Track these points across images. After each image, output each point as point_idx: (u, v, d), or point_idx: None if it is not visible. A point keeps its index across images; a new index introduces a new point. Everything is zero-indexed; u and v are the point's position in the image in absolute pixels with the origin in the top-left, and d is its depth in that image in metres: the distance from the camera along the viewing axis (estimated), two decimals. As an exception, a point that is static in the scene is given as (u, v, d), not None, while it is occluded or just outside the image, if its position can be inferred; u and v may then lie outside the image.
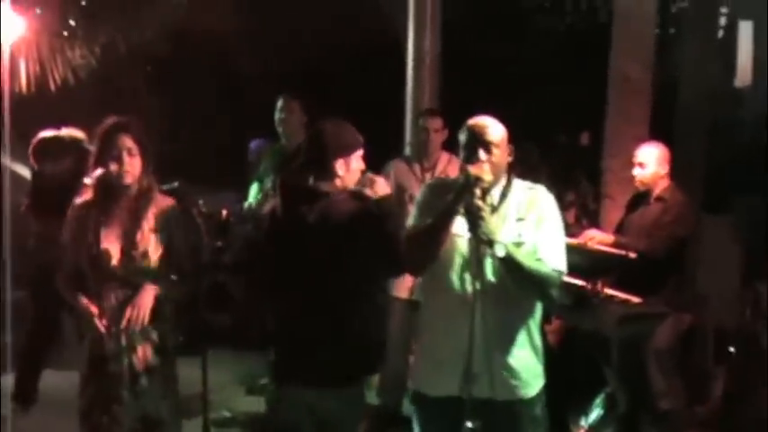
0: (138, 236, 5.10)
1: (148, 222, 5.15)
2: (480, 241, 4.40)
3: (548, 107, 12.23)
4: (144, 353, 5.14)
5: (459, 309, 4.52)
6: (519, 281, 4.58)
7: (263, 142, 9.81)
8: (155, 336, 5.18)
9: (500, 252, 4.44)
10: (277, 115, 8.20)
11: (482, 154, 4.61)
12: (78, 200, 5.25)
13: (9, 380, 7.43)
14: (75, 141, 7.31)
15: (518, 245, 4.59)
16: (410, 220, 4.87)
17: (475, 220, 4.38)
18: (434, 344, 4.82)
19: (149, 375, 5.17)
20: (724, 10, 14.30)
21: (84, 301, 5.14)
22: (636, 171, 7.21)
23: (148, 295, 5.11)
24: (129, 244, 5.09)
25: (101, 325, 5.09)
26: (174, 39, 10.65)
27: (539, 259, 4.61)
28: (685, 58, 10.75)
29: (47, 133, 7.44)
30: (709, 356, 8.12)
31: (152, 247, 5.12)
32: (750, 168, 14.06)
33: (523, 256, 4.55)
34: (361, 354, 5.00)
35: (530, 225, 4.67)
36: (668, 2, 14.05)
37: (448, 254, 4.65)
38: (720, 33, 13.21)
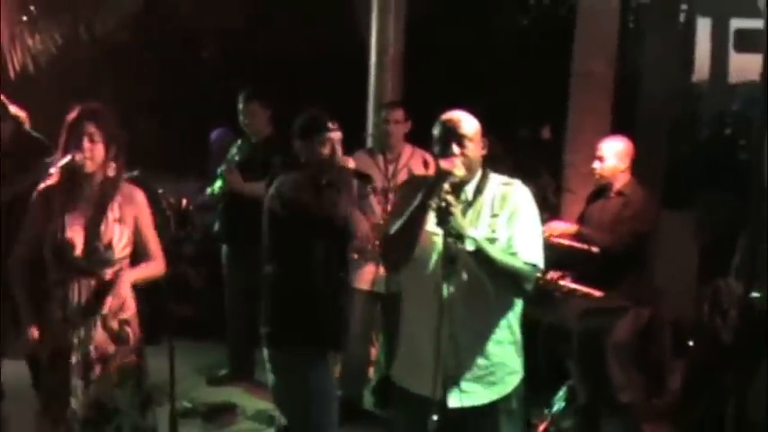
0: (103, 226, 5.06)
1: (113, 212, 5.11)
2: (450, 236, 4.40)
3: (510, 101, 12.26)
4: (99, 340, 5.10)
5: (436, 306, 4.50)
6: (491, 275, 4.57)
7: (224, 132, 9.79)
8: (114, 324, 5.13)
9: (470, 246, 4.43)
10: (241, 117, 8.19)
11: (455, 148, 4.61)
12: (42, 185, 5.18)
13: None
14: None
15: (491, 240, 4.58)
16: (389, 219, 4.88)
17: (444, 215, 4.38)
18: (413, 341, 4.82)
19: (104, 364, 5.12)
20: (683, 7, 14.37)
21: (27, 307, 5.14)
22: (595, 164, 7.23)
23: (127, 285, 5.09)
24: (93, 234, 5.04)
25: (31, 340, 5.11)
26: (135, 25, 10.57)
27: (513, 253, 4.60)
28: (646, 54, 10.80)
29: None
30: (667, 350, 8.18)
31: (116, 238, 5.08)
32: (709, 164, 14.22)
33: (495, 251, 4.54)
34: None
35: (503, 220, 4.66)
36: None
37: (424, 251, 4.64)
38: (679, 30, 13.26)
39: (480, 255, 4.48)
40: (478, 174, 4.74)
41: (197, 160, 10.12)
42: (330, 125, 5.49)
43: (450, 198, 4.42)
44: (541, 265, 4.72)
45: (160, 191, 9.48)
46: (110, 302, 5.05)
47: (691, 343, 7.43)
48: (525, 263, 4.62)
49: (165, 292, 5.71)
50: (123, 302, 5.09)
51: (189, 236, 9.43)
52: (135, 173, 8.30)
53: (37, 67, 9.15)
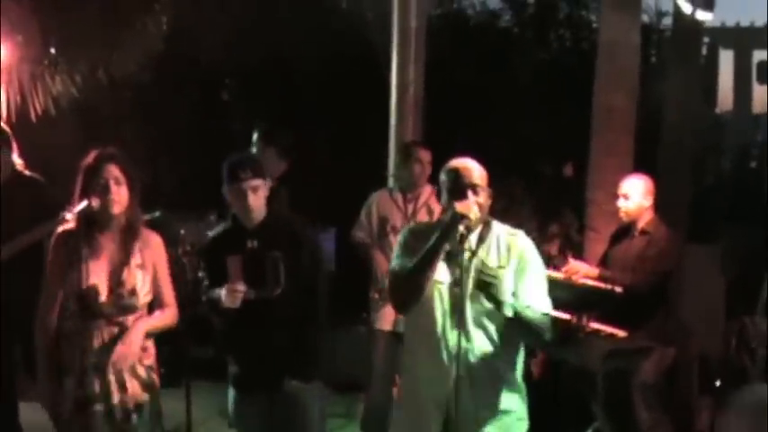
0: (126, 272, 5.01)
1: (135, 258, 5.06)
2: (490, 301, 4.52)
3: (532, 139, 12.21)
4: (133, 390, 5.05)
5: (441, 356, 4.54)
6: (521, 334, 4.64)
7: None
8: (142, 371, 5.09)
9: (509, 312, 4.51)
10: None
11: (470, 194, 4.60)
12: (60, 229, 5.13)
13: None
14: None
15: None
16: (392, 261, 4.84)
17: (486, 284, 4.49)
18: (417, 386, 4.79)
19: (140, 412, 5.07)
20: (706, 39, 14.34)
21: (48, 366, 5.07)
22: (620, 203, 7.17)
23: (138, 333, 5.03)
24: (116, 280, 5.00)
25: (50, 400, 5.07)
26: (155, 65, 10.58)
27: (531, 308, 4.61)
28: (668, 87, 10.74)
29: None
30: (694, 388, 8.08)
31: (139, 284, 5.03)
32: (734, 196, 14.12)
33: (530, 312, 4.58)
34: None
35: (510, 272, 4.66)
36: (650, 31, 14.09)
37: (429, 300, 4.64)
38: (701, 62, 13.22)
39: (517, 318, 4.55)
40: (482, 223, 4.74)
41: (218, 199, 10.09)
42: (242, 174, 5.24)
43: (492, 271, 4.53)
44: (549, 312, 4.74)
45: (182, 232, 9.52)
46: (119, 350, 4.99)
47: (718, 383, 7.32)
48: (543, 314, 4.65)
49: (185, 334, 5.67)
50: (141, 349, 5.04)
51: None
52: (156, 214, 8.31)
53: (58, 109, 9.14)
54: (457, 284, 4.46)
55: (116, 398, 5.01)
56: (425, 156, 7.64)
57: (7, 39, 8.20)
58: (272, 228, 5.29)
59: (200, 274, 9.30)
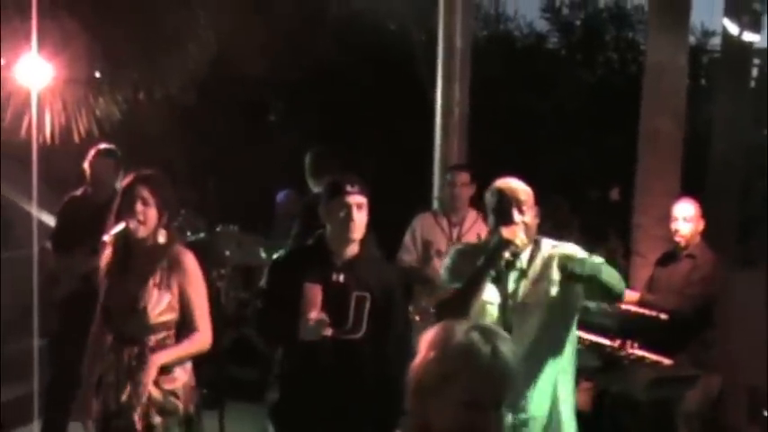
0: (142, 290, 5.00)
1: (154, 277, 5.04)
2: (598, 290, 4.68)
3: (579, 161, 12.13)
4: (145, 411, 5.03)
5: None
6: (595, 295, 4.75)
7: (289, 193, 9.74)
8: (159, 396, 5.04)
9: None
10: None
11: (516, 216, 4.53)
12: (103, 255, 5.16)
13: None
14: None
15: (556, 306, 4.64)
16: (441, 284, 4.80)
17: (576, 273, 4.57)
18: None
19: None
20: (756, 61, 14.18)
21: (91, 383, 5.10)
22: (679, 225, 7.04)
23: (152, 369, 4.98)
24: (132, 299, 4.99)
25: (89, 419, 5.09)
26: (200, 86, 10.62)
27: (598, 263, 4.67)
28: (717, 111, 10.63)
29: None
30: (742, 417, 7.96)
31: (152, 303, 5.00)
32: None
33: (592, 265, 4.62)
34: None
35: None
36: (699, 53, 13.97)
37: (478, 320, 4.56)
38: (752, 84, 13.09)
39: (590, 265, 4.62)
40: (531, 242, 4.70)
41: (265, 220, 10.09)
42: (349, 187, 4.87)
43: (573, 258, 4.61)
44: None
45: (227, 253, 9.52)
46: (128, 389, 4.97)
47: (767, 413, 7.20)
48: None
49: (224, 356, 5.62)
50: (145, 390, 5.00)
51: (254, 297, 9.37)
52: (202, 235, 8.30)
53: (101, 130, 9.18)
54: (505, 305, 4.39)
55: (132, 418, 4.98)
56: (463, 178, 7.60)
57: (52, 59, 8.22)
58: (362, 264, 4.87)
59: (244, 295, 9.35)
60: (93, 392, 5.11)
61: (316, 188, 7.99)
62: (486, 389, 2.58)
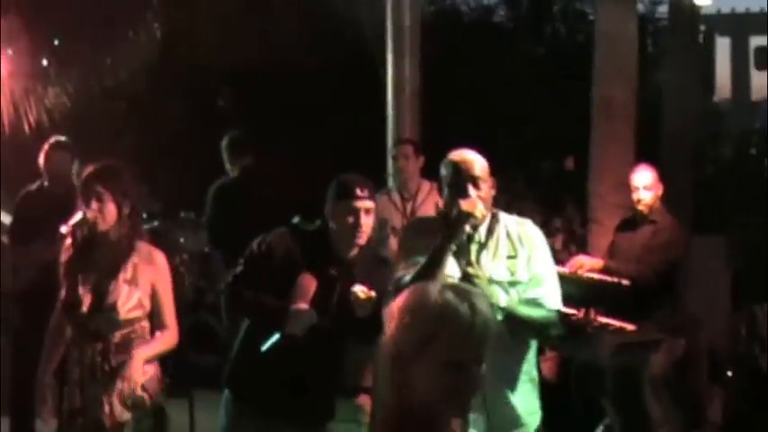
0: (111, 286, 4.93)
1: (125, 273, 4.97)
2: None
3: (531, 133, 12.15)
4: (113, 408, 4.96)
5: None
6: (521, 332, 4.52)
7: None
8: (141, 400, 4.99)
9: (498, 316, 4.36)
10: None
11: (471, 190, 4.49)
12: (64, 244, 5.09)
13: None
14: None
15: (513, 284, 4.51)
16: (399, 266, 4.73)
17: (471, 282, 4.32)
18: None
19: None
20: (702, 27, 14.29)
21: (47, 378, 5.04)
22: (641, 195, 7.03)
23: (137, 365, 4.92)
24: (99, 294, 4.92)
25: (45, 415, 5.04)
26: (148, 74, 10.53)
27: (537, 302, 4.52)
28: (667, 77, 10.69)
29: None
30: (704, 380, 8.01)
31: (122, 299, 4.93)
32: (736, 185, 14.05)
33: (524, 308, 4.49)
34: None
35: (522, 262, 4.57)
36: (646, 21, 14.04)
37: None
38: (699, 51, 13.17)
39: (510, 318, 4.44)
40: (488, 214, 4.63)
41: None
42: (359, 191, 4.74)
43: (473, 270, 4.39)
44: (561, 307, 4.66)
45: (181, 240, 9.46)
46: (120, 386, 4.90)
47: (729, 373, 7.25)
48: (549, 310, 4.55)
49: (185, 343, 5.55)
50: (135, 386, 4.95)
51: (210, 284, 9.33)
52: (155, 223, 8.25)
53: (52, 120, 9.08)
54: (466, 278, 4.34)
55: (98, 414, 4.92)
56: (406, 150, 7.62)
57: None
58: (359, 265, 4.77)
59: (200, 283, 9.30)
60: (48, 388, 5.04)
61: (233, 172, 8.16)
62: (468, 346, 2.56)
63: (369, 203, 4.70)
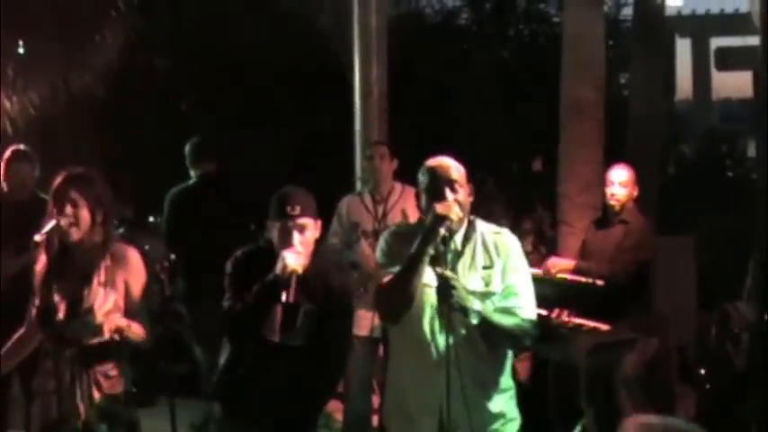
0: (86, 291, 4.87)
1: (99, 276, 4.91)
2: (452, 309, 4.34)
3: (498, 135, 12.16)
4: (90, 418, 4.91)
5: (431, 361, 4.44)
6: (495, 340, 4.51)
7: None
8: (115, 411, 4.94)
9: (474, 320, 4.38)
10: None
11: (449, 194, 4.47)
12: (34, 255, 5.02)
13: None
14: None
15: (487, 294, 4.49)
16: (380, 272, 4.71)
17: (446, 290, 4.30)
18: (405, 397, 4.68)
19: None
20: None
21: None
22: (615, 190, 7.04)
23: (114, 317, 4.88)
24: (75, 300, 4.86)
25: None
26: (112, 81, 10.45)
27: (511, 311, 4.50)
28: (632, 79, 10.73)
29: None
30: (674, 378, 8.07)
31: (98, 303, 4.88)
32: (699, 183, 14.14)
33: (498, 317, 4.46)
34: None
35: (497, 273, 4.54)
36: (612, 23, 14.11)
37: (416, 304, 4.49)
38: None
39: (485, 324, 4.42)
40: (465, 221, 4.60)
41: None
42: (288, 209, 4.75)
43: (449, 273, 4.34)
44: (535, 317, 4.62)
45: (146, 247, 9.37)
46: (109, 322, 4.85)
47: (702, 371, 7.28)
48: (524, 320, 4.52)
49: (158, 352, 5.50)
50: (106, 377, 4.90)
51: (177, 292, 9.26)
52: (120, 231, 8.17)
53: (15, 128, 8.99)
54: (454, 309, 4.33)
55: (76, 426, 4.87)
56: (381, 150, 7.59)
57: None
58: (308, 275, 4.75)
59: (168, 292, 9.22)
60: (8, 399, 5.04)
61: (195, 177, 8.19)
62: None
63: (302, 221, 4.71)
